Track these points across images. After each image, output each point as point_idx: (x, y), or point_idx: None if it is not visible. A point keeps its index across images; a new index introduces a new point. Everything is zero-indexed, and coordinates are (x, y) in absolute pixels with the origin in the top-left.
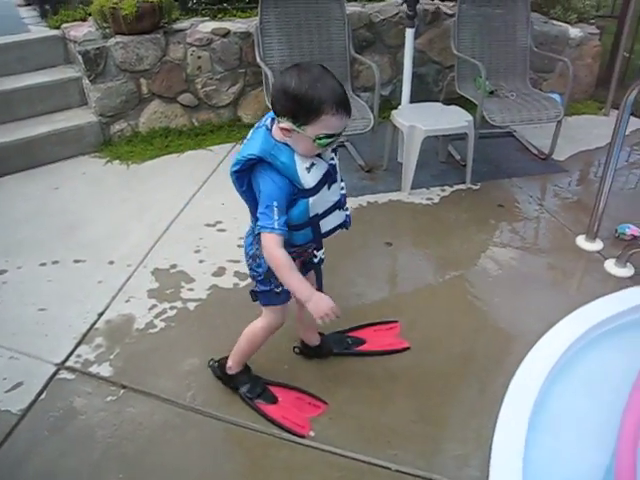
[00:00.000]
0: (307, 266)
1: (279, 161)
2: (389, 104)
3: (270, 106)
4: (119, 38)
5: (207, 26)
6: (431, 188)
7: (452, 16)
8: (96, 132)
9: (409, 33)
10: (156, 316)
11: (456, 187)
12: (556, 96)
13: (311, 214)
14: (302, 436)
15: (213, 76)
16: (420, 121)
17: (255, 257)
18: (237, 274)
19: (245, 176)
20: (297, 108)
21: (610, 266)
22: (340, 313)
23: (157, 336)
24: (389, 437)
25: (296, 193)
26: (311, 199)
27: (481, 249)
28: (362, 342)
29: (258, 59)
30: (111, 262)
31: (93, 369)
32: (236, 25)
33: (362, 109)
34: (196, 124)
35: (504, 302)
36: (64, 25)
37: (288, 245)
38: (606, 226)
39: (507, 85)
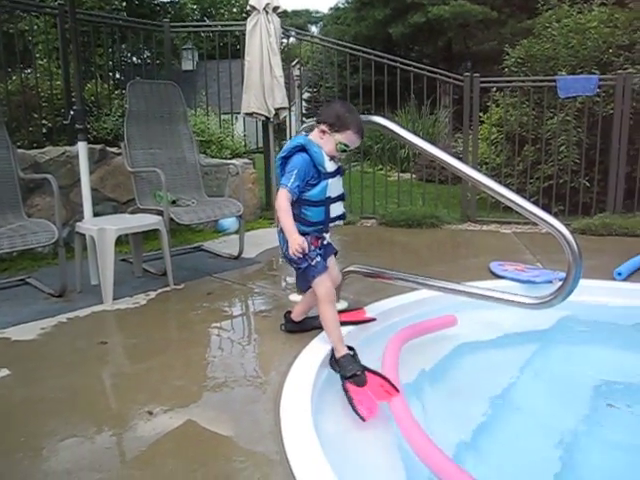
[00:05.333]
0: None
1: (313, 149)
2: (70, 246)
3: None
4: None
5: None
6: (135, 296)
7: (119, 155)
8: None
9: (82, 146)
10: None
11: (161, 290)
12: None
13: (327, 194)
14: (362, 419)
15: None
16: (109, 224)
17: (287, 242)
18: None
19: (285, 164)
20: (335, 120)
21: None
22: (305, 250)
23: None
24: None
25: (318, 176)
26: (330, 180)
27: (204, 328)
28: None
29: None
30: None
31: None
32: None
33: (43, 224)
34: None
35: (247, 352)
36: None
37: (307, 223)
38: None
39: (185, 196)
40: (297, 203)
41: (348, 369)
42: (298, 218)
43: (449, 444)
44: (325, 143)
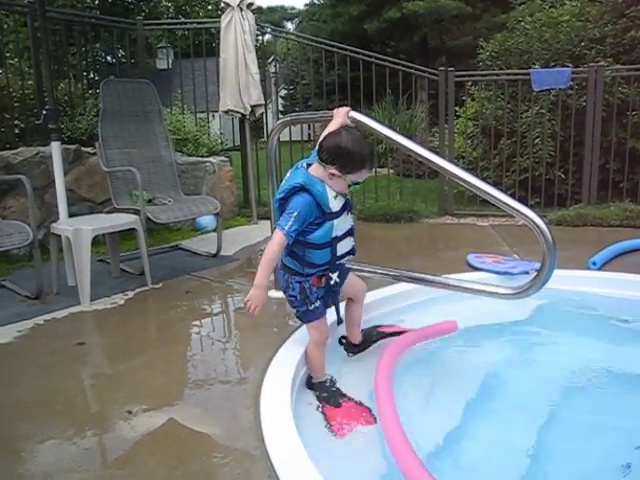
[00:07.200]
0: (327, 294)
1: (315, 189)
2: (45, 248)
3: (320, 154)
4: None
5: None
6: (113, 296)
7: (94, 154)
8: None
9: (55, 146)
10: None
11: (139, 290)
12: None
13: (333, 235)
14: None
15: None
16: (85, 224)
17: (288, 284)
18: None
19: (283, 205)
20: (346, 162)
21: None
22: (258, 310)
23: None
24: None
25: (323, 217)
26: (335, 221)
27: (183, 326)
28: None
29: None
30: None
31: None
32: None
33: (17, 226)
34: None
35: (227, 349)
36: None
37: (310, 265)
38: None
39: (161, 194)
40: (300, 245)
41: (321, 393)
42: (301, 260)
43: (428, 434)
44: (335, 184)
